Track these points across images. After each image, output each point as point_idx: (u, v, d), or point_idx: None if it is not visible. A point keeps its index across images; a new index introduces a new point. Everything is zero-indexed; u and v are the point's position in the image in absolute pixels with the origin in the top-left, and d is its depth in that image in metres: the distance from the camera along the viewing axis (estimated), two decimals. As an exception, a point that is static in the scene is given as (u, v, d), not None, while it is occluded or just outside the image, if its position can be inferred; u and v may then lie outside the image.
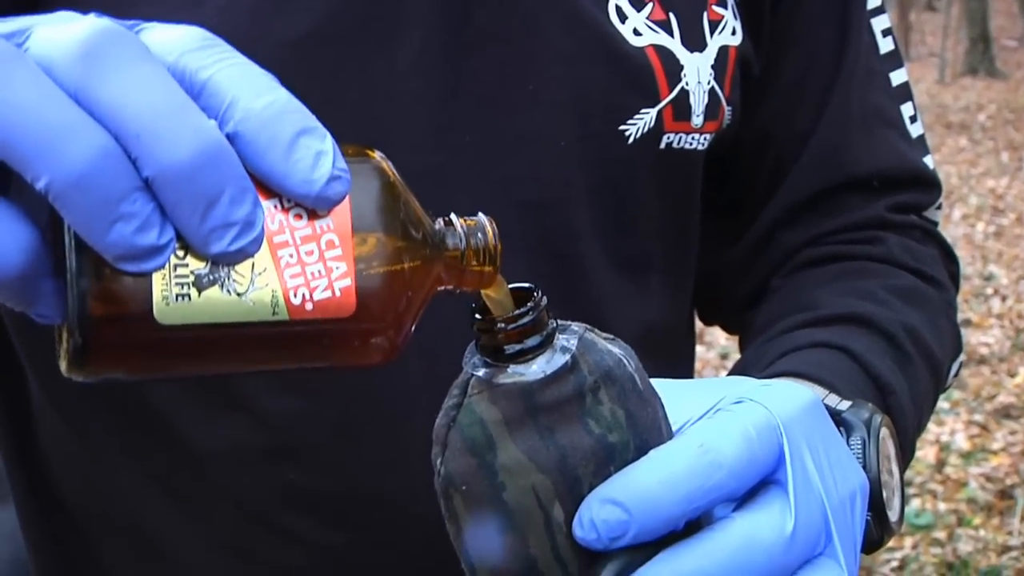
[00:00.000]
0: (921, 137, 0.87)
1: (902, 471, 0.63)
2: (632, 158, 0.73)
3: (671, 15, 0.74)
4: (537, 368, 0.45)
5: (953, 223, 6.64)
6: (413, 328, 0.44)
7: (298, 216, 0.40)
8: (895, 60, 0.87)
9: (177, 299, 0.38)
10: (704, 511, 0.46)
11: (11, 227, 0.38)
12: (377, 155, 0.44)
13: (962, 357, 0.85)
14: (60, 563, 0.79)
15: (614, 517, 0.44)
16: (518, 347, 0.45)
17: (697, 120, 0.75)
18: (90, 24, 0.38)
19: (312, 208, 0.40)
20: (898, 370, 0.73)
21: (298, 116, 0.40)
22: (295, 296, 0.40)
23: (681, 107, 0.74)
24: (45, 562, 0.80)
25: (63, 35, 0.38)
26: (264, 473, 0.71)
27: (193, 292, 0.39)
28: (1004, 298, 5.37)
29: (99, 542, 0.77)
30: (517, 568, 0.45)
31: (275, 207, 0.40)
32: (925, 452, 3.73)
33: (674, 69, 0.74)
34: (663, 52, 0.73)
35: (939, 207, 0.88)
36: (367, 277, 0.42)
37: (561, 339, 0.46)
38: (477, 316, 0.46)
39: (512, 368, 0.45)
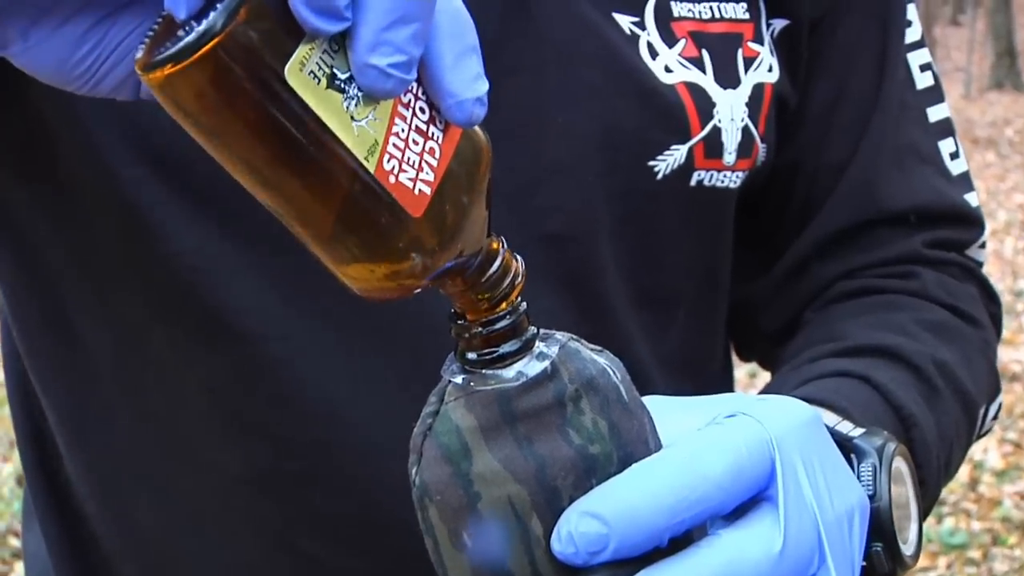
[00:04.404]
0: (964, 174, 0.84)
1: (925, 505, 0.60)
2: (661, 194, 0.73)
3: (704, 52, 0.73)
4: (514, 374, 0.44)
5: (982, 239, 6.58)
6: (438, 278, 0.43)
7: (422, 110, 0.41)
8: (934, 95, 0.84)
9: (309, 74, 0.38)
10: (691, 527, 0.44)
11: None
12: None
13: (1001, 398, 0.82)
14: None
15: (593, 530, 0.42)
16: (496, 352, 0.44)
17: (729, 158, 0.74)
18: None
19: (444, 112, 0.41)
20: (924, 403, 0.71)
21: (476, 39, 0.41)
22: (387, 161, 0.40)
23: (713, 144, 0.73)
24: None
25: None
26: (288, 499, 0.71)
27: (324, 81, 0.39)
28: (1035, 314, 5.31)
29: (121, 562, 0.77)
30: None
31: (414, 88, 0.41)
32: (958, 470, 3.69)
33: (706, 106, 0.73)
34: (695, 89, 0.73)
35: (983, 246, 0.85)
36: (441, 198, 0.42)
37: (541, 346, 0.44)
38: (456, 321, 0.45)
39: (489, 374, 0.44)
